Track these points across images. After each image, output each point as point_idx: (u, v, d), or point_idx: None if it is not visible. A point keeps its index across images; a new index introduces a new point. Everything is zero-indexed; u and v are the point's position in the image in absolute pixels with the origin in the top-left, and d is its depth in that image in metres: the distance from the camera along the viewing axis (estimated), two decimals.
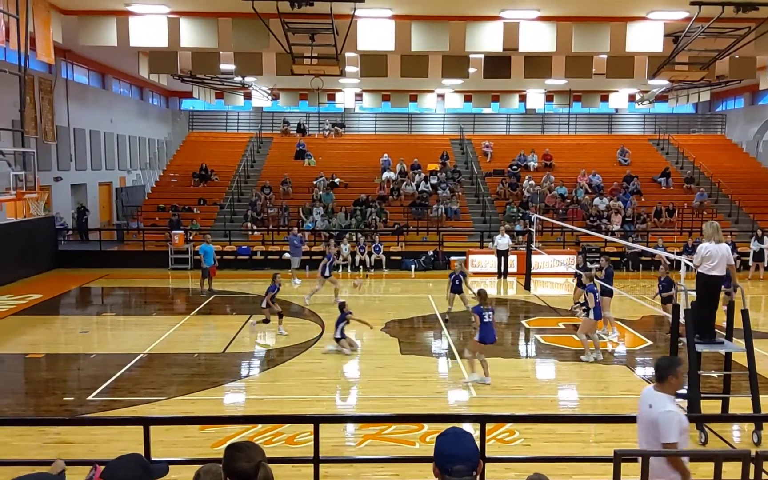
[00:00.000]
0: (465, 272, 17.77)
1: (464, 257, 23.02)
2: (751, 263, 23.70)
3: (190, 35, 18.19)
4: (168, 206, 28.83)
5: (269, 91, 34.51)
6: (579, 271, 17.43)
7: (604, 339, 15.14)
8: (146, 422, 6.94)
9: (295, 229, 24.41)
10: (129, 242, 27.48)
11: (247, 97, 34.71)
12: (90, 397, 11.30)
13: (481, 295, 12.17)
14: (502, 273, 23.54)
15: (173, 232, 25.50)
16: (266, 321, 15.42)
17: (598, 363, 13.35)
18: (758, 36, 17.61)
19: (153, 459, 6.80)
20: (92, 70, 31.47)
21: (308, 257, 24.12)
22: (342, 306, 14.22)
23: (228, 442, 3.23)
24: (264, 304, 15.33)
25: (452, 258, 18.56)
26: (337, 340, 13.89)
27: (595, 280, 14.27)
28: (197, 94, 31.82)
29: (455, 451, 2.81)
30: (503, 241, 23.54)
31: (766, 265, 23.92)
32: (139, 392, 11.57)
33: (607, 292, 15.35)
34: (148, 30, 18.06)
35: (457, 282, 17.00)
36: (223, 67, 22.81)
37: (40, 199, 23.80)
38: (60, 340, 15.73)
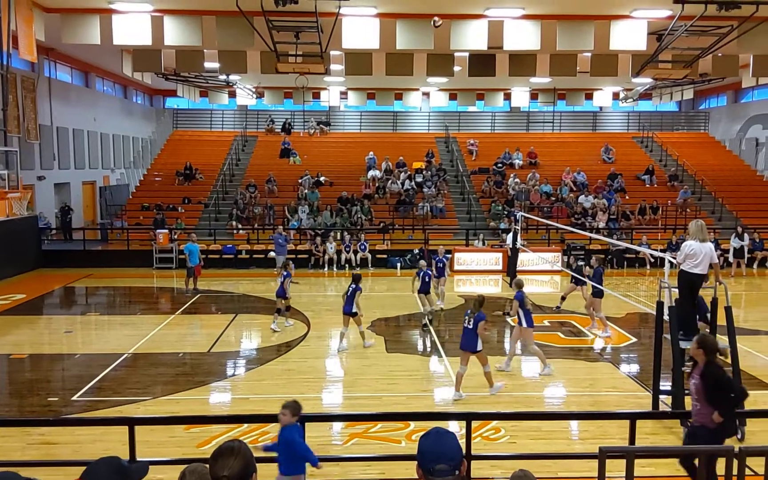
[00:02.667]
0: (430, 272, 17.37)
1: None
2: (731, 260, 23.90)
3: (174, 33, 18.08)
4: (152, 205, 28.67)
5: (254, 90, 34.38)
6: (573, 273, 17.31)
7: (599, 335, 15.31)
8: (131, 422, 6.93)
9: (280, 227, 24.35)
10: (113, 241, 27.31)
11: (232, 95, 34.57)
12: (74, 398, 11.23)
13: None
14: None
15: (158, 231, 25.37)
16: (288, 309, 16.09)
17: (584, 360, 13.40)
18: (741, 34, 17.74)
19: (138, 459, 6.79)
20: (75, 69, 31.20)
21: (294, 256, 24.06)
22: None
23: (216, 444, 3.22)
24: (287, 295, 15.85)
25: (421, 262, 18.01)
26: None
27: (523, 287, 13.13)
28: (181, 93, 31.64)
29: (437, 451, 2.80)
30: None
31: (746, 262, 24.18)
32: (124, 392, 11.51)
33: (597, 293, 15.32)
34: (131, 28, 17.93)
35: (426, 279, 16.75)
36: (208, 65, 22.70)
37: (23, 198, 23.61)
38: (44, 340, 15.61)
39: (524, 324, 12.53)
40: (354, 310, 13.99)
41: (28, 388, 12.00)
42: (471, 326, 11.09)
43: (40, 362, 13.61)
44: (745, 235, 24.20)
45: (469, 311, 11.33)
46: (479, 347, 11.12)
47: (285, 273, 16.02)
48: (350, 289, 14.10)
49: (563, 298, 17.88)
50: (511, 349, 13.00)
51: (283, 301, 15.95)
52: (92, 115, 32.16)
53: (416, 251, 25.45)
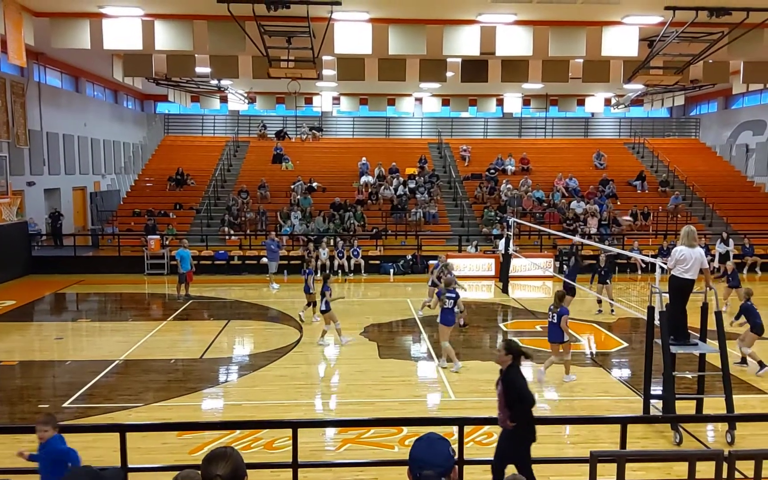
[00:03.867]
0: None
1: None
2: (717, 265, 23.96)
3: (165, 38, 18.03)
4: (143, 211, 28.60)
5: (246, 95, 34.35)
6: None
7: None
8: (123, 429, 6.89)
9: (273, 233, 24.29)
10: (104, 247, 27.21)
11: (224, 100, 34.49)
12: (65, 405, 11.17)
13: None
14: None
15: (149, 237, 25.29)
16: (314, 304, 17.03)
17: (576, 365, 13.40)
18: (731, 41, 17.84)
19: (130, 465, 6.76)
20: (65, 73, 31.10)
21: (286, 262, 24.04)
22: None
23: (208, 450, 3.22)
24: (311, 290, 16.96)
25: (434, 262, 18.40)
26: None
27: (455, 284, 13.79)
28: (173, 98, 31.57)
29: (425, 457, 2.83)
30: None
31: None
32: (116, 399, 11.46)
33: (570, 290, 15.85)
34: (122, 32, 17.86)
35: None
36: (199, 70, 22.65)
37: (12, 204, 23.52)
38: (34, 346, 15.53)
39: (438, 320, 13.19)
40: (323, 307, 14.82)
41: (18, 395, 11.93)
42: (555, 320, 12.29)
43: (30, 369, 13.54)
44: (730, 240, 24.30)
45: (552, 306, 12.50)
46: (565, 338, 12.31)
47: (307, 270, 17.28)
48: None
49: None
50: (444, 348, 13.19)
51: (308, 295, 17.12)
52: (82, 120, 32.06)
53: (409, 257, 25.48)
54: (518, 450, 7.07)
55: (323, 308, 14.82)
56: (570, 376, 12.51)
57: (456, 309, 13.53)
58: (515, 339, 15.55)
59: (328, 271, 16.31)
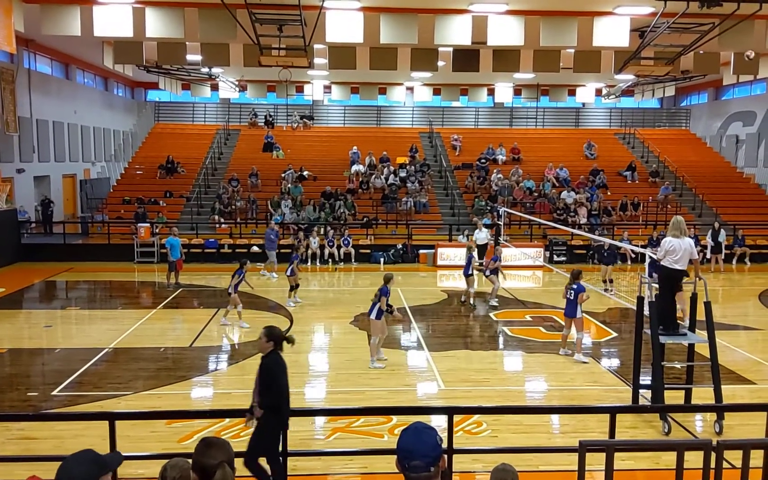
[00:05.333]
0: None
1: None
2: (709, 256, 24.09)
3: (156, 25, 17.92)
4: (134, 199, 28.47)
5: (237, 83, 34.17)
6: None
7: None
8: (112, 417, 6.88)
9: (273, 222, 24.21)
10: (94, 235, 27.09)
11: (214, 88, 34.28)
12: (54, 393, 11.13)
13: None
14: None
15: (139, 224, 25.19)
16: (296, 286, 18.07)
17: (565, 355, 13.44)
18: (722, 32, 17.87)
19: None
20: (55, 60, 30.84)
21: (277, 251, 23.96)
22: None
23: (201, 436, 3.22)
24: (289, 272, 17.85)
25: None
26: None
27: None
28: (163, 85, 31.36)
29: (412, 447, 2.82)
30: (482, 235, 23.60)
31: (724, 258, 24.42)
32: (105, 387, 11.43)
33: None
34: (112, 19, 17.72)
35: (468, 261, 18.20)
36: (190, 57, 22.51)
37: (2, 191, 23.38)
38: (23, 334, 15.47)
39: (373, 316, 12.66)
40: (229, 290, 15.60)
41: (7, 383, 11.88)
42: (572, 297, 12.86)
43: (19, 357, 13.48)
44: (722, 230, 24.44)
45: (568, 284, 13.05)
46: (579, 314, 12.87)
47: (295, 256, 18.33)
48: None
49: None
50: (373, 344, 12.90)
51: (290, 278, 17.89)
52: (72, 108, 31.82)
53: (400, 246, 25.48)
54: (260, 438, 7.08)
55: (229, 291, 15.51)
56: (579, 356, 12.99)
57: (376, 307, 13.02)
58: (506, 328, 15.67)
59: (244, 258, 16.63)
